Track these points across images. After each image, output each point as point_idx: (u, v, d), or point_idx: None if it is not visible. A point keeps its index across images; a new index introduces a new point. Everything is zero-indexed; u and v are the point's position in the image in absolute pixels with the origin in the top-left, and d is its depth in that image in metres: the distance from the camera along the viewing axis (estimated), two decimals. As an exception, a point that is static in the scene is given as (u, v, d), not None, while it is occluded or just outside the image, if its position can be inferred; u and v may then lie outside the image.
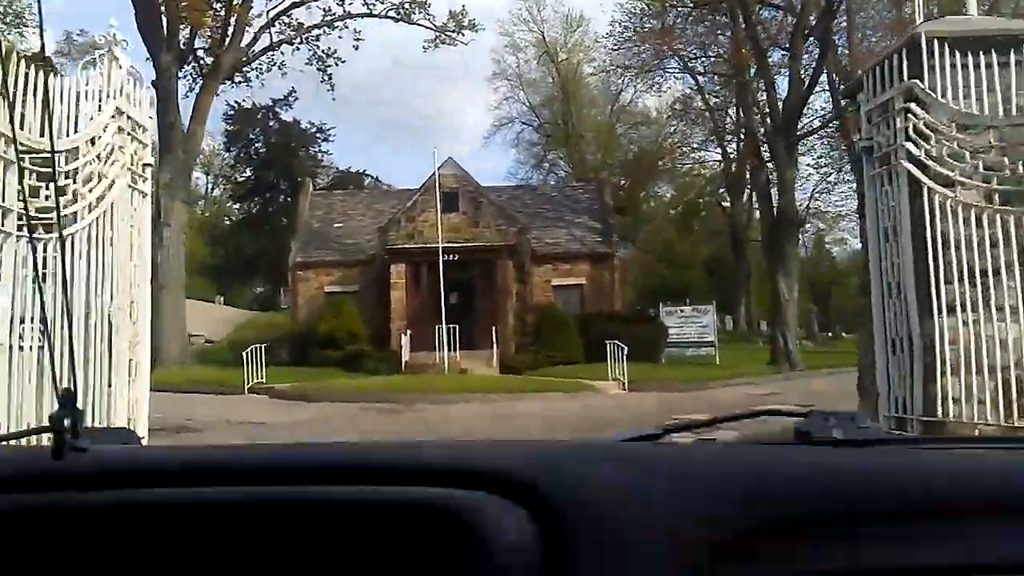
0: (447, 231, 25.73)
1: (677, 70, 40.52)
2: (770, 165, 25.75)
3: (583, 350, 24.76)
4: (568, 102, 55.37)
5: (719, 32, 35.01)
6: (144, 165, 6.35)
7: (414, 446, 0.93)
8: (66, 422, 0.84)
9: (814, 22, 24.27)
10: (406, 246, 26.20)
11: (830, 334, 58.36)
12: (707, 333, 27.13)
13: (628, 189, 50.41)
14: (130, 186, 6.09)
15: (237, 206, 56.30)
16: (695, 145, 46.88)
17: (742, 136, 45.55)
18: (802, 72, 24.88)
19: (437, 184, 25.37)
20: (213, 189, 65.09)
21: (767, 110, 25.62)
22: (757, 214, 48.20)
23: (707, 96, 44.20)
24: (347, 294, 27.39)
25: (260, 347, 20.33)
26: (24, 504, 0.81)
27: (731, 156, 46.87)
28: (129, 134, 6.14)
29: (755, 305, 48.77)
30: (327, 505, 0.77)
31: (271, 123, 52.24)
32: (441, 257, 23.97)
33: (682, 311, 27.71)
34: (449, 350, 23.45)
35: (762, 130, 25.79)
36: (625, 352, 20.62)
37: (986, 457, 1.05)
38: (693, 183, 53.37)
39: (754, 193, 47.36)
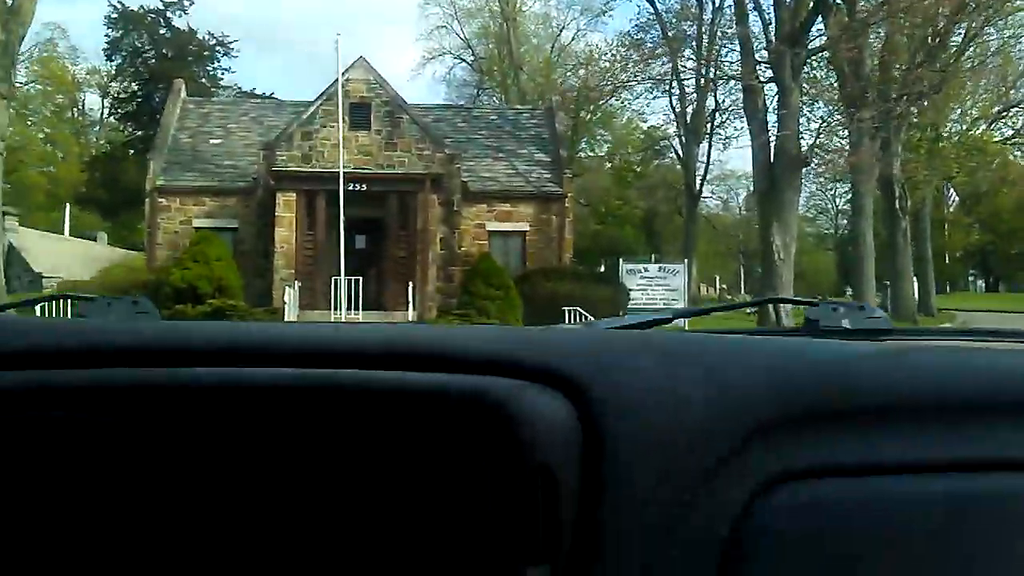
0: (354, 154, 19.94)
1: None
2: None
3: (525, 315, 19.64)
4: (507, 32, 49.38)
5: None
6: None
7: (453, 333, 0.91)
8: None
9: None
10: (298, 169, 20.08)
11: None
12: (677, 298, 22.09)
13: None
14: None
15: (123, 128, 48.83)
16: (647, 85, 40.84)
17: (703, 74, 40.41)
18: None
19: (341, 90, 19.21)
20: (109, 115, 57.50)
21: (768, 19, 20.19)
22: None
23: (666, 25, 38.66)
24: (221, 231, 21.17)
25: (66, 299, 14.00)
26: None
27: (690, 95, 41.50)
28: None
29: (698, 265, 44.43)
30: (361, 391, 0.74)
31: (162, 30, 44.82)
32: (343, 186, 18.06)
33: (646, 270, 22.53)
34: (349, 310, 17.93)
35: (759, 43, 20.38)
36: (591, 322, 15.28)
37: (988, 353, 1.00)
38: (633, 133, 48.55)
39: (712, 134, 42.61)
